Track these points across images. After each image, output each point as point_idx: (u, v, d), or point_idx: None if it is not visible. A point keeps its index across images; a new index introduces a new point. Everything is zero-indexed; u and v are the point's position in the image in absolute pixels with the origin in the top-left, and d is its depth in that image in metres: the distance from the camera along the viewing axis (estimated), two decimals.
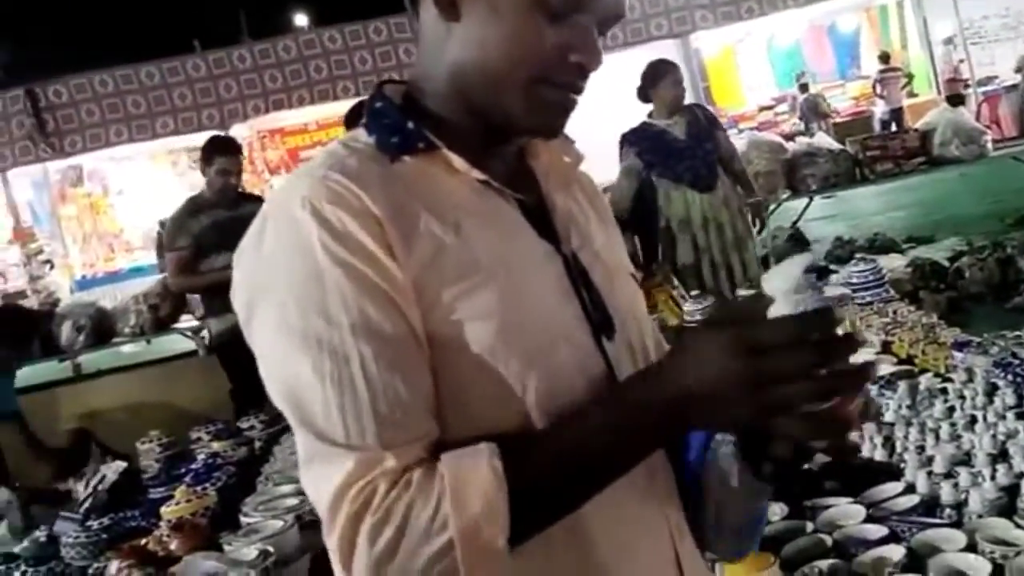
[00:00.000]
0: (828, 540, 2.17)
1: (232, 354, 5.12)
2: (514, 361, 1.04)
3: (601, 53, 1.10)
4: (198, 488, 3.29)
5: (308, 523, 2.78)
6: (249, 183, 16.14)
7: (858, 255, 4.30)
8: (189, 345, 7.65)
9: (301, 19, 27.06)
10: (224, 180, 5.38)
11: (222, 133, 6.43)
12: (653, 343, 1.26)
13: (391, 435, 0.97)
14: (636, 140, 5.73)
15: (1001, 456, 2.37)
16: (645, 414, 0.98)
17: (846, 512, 2.30)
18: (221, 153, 5.43)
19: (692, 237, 5.61)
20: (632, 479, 1.04)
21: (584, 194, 1.28)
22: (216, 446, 3.94)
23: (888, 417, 2.77)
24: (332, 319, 0.98)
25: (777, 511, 2.37)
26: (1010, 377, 2.76)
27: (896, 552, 2.05)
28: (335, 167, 1.05)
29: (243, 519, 2.96)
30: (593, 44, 1.09)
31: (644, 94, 5.72)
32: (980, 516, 2.14)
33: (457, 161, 1.09)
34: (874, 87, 16.24)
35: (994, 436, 2.46)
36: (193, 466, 3.73)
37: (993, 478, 2.25)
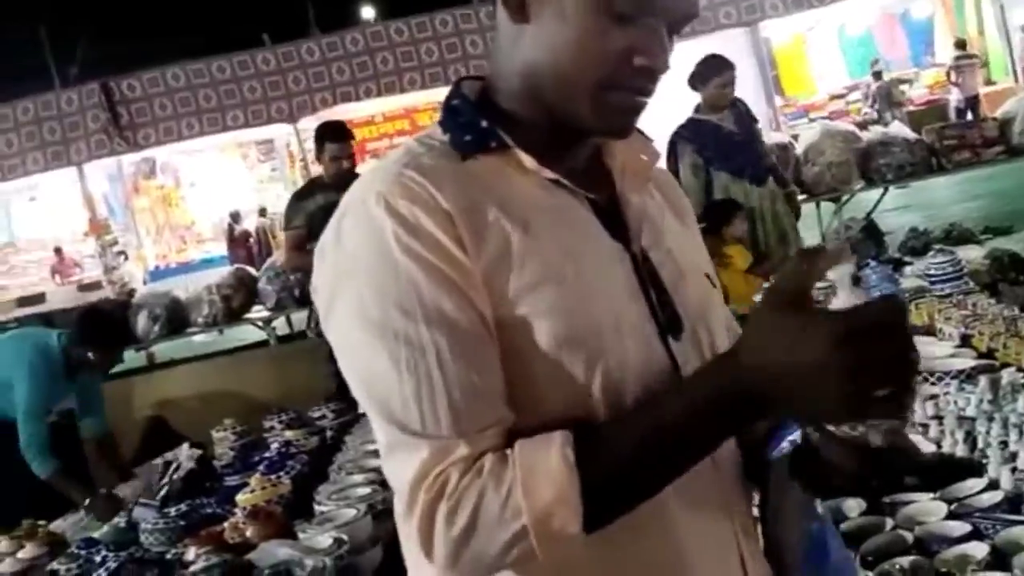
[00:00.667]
0: (909, 537, 2.13)
1: None
2: (580, 356, 1.06)
3: (668, 55, 1.09)
4: (272, 476, 3.34)
5: (380, 512, 2.81)
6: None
7: (936, 246, 4.20)
8: (260, 335, 7.76)
9: (368, 12, 27.23)
10: (336, 166, 5.53)
11: (333, 119, 6.61)
12: (726, 343, 1.22)
13: (465, 423, 1.00)
14: (693, 136, 5.66)
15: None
16: (723, 401, 0.97)
17: (927, 509, 2.25)
18: (331, 139, 5.57)
19: (753, 230, 5.65)
20: (699, 471, 1.05)
21: (661, 192, 1.28)
22: (289, 435, 3.99)
23: (969, 412, 2.70)
24: (408, 311, 1.01)
25: (855, 506, 2.33)
26: None
27: (980, 550, 2.01)
28: (410, 164, 1.08)
29: (317, 507, 3.00)
30: (659, 46, 1.08)
31: (694, 85, 5.68)
32: None
33: (528, 160, 1.11)
34: (948, 75, 15.91)
35: None
36: (267, 455, 3.78)
37: None
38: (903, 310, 0.90)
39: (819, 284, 0.99)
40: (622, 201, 1.18)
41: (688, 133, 5.67)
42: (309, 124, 15.41)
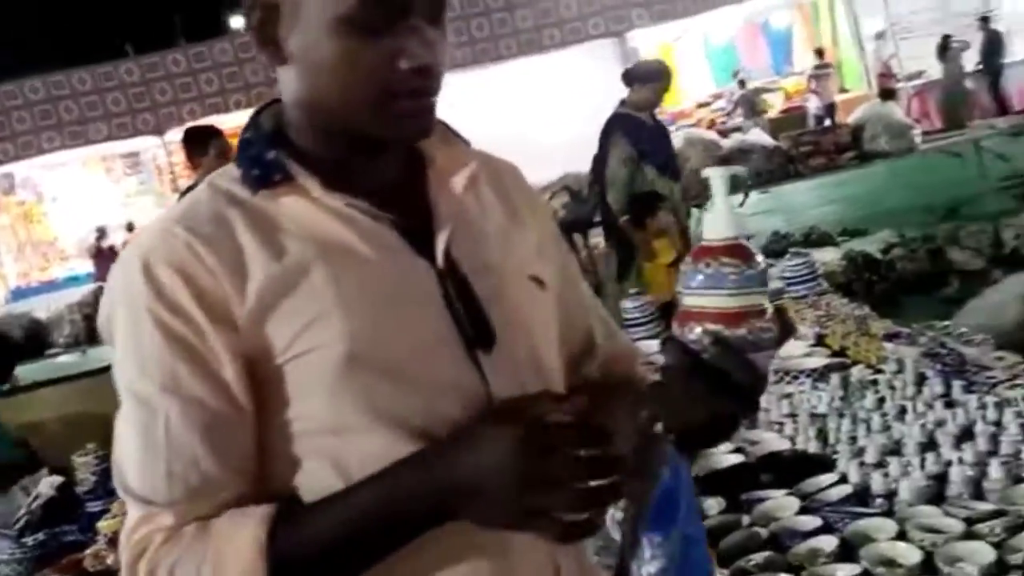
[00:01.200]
0: (763, 533, 2.20)
1: None
2: (381, 384, 1.04)
3: (435, 46, 1.05)
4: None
5: None
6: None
7: (792, 249, 4.35)
8: None
9: (237, 21, 26.75)
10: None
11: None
12: (555, 347, 1.22)
13: (179, 493, 1.00)
14: (627, 129, 5.76)
15: (930, 445, 2.42)
16: (413, 499, 0.99)
17: (781, 504, 2.33)
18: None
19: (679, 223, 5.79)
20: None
21: (496, 190, 1.24)
22: None
23: (821, 409, 2.81)
24: (147, 374, 1.02)
25: (714, 505, 2.40)
26: (938, 367, 2.82)
27: (829, 543, 2.09)
28: (183, 220, 1.06)
29: None
30: (421, 43, 1.04)
31: (631, 82, 5.82)
32: (910, 504, 2.18)
33: (315, 188, 1.08)
34: (808, 83, 16.47)
35: (923, 425, 2.51)
36: None
37: (922, 467, 2.30)
38: (597, 434, 0.95)
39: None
40: (434, 213, 1.14)
41: (625, 125, 5.78)
42: (177, 137, 15.09)
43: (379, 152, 1.13)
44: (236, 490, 1.02)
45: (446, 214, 1.15)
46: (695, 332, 0.96)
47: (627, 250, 5.72)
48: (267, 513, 0.99)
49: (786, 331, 1.02)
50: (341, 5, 1.02)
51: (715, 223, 0.97)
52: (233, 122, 16.75)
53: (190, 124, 6.39)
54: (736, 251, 0.96)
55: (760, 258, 0.99)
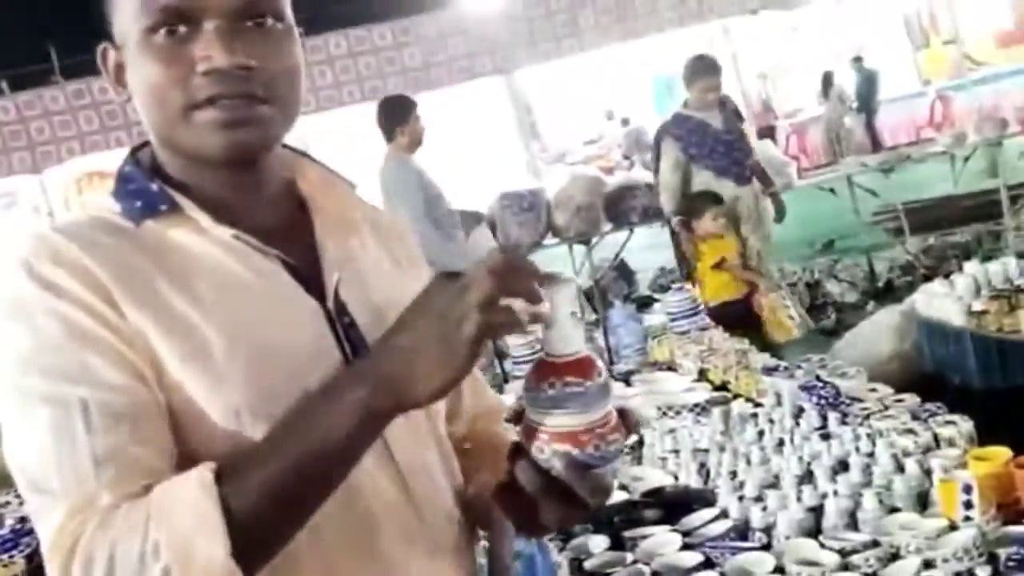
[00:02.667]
0: (647, 571, 2.22)
1: None
2: (261, 425, 1.00)
3: (230, 49, 1.03)
4: (4, 556, 3.11)
5: None
6: None
7: (676, 284, 4.43)
8: None
9: None
10: (412, 141, 5.45)
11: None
12: None
13: (107, 479, 0.94)
14: (678, 132, 5.65)
15: (807, 477, 2.47)
16: (352, 399, 0.93)
17: (664, 541, 2.35)
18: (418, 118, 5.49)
19: (736, 228, 5.58)
20: (401, 518, 1.08)
21: (380, 239, 1.24)
22: (25, 510, 3.73)
23: (703, 444, 2.85)
24: (49, 372, 0.97)
25: (600, 544, 2.40)
26: (814, 399, 2.88)
27: None
28: (59, 229, 1.05)
29: None
30: (213, 45, 1.03)
31: (685, 81, 5.76)
32: (788, 537, 2.22)
33: (203, 219, 1.07)
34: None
35: (800, 458, 2.57)
36: (0, 532, 3.52)
37: (799, 499, 2.34)
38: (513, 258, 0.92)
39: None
40: (321, 253, 1.14)
41: (674, 129, 5.70)
42: (57, 175, 14.67)
43: (237, 177, 1.11)
44: (164, 473, 0.96)
45: (334, 257, 1.14)
46: (544, 452, 0.96)
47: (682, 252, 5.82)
48: (208, 464, 0.94)
49: (630, 431, 1.03)
50: (142, 21, 1.03)
51: (557, 338, 0.95)
52: (116, 161, 16.38)
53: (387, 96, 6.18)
54: (580, 367, 0.95)
55: (601, 365, 0.99)
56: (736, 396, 3.28)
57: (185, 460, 0.99)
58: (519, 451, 0.98)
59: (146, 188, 1.09)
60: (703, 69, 5.74)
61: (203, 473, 0.93)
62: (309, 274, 1.12)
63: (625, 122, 17.00)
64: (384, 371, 0.93)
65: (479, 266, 0.90)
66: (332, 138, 15.52)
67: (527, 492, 0.98)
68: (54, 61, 16.28)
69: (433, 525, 1.15)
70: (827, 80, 15.71)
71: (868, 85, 15.89)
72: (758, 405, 3.11)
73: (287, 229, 1.14)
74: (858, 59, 16.52)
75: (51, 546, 0.93)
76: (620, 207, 6.87)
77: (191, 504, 0.91)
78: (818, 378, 3.06)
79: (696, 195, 5.55)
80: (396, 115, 5.49)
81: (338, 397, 0.95)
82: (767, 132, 11.75)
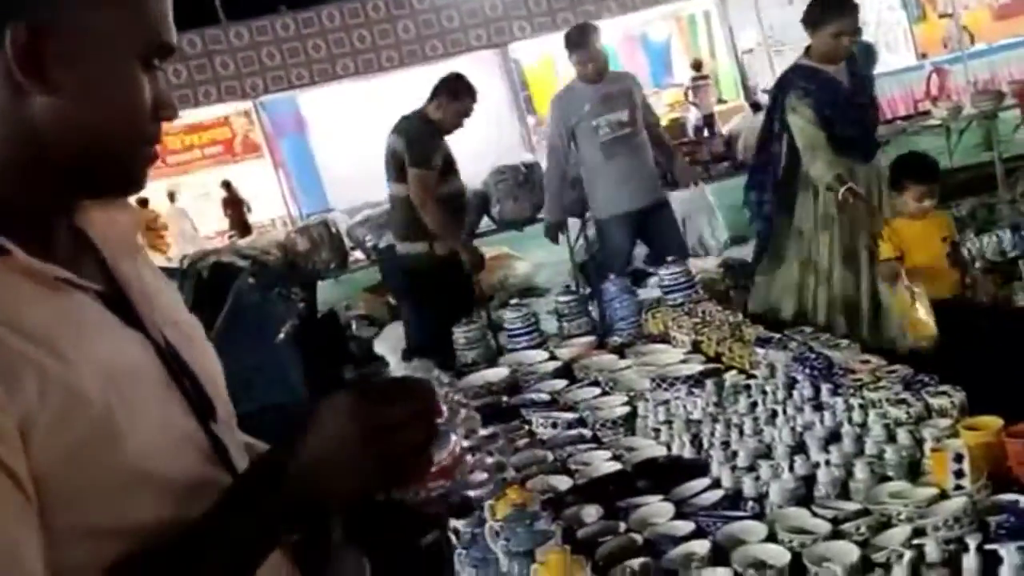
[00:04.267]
0: (639, 539, 2.23)
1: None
2: (137, 481, 0.97)
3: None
4: None
5: None
6: None
7: (669, 258, 4.41)
8: None
9: None
10: (446, 116, 5.63)
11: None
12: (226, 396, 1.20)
13: None
14: (809, 87, 4.52)
15: (799, 447, 2.48)
16: (265, 502, 0.97)
17: (656, 510, 2.36)
18: (460, 93, 5.68)
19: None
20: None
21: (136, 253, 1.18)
22: None
23: (696, 415, 2.86)
24: None
25: (593, 513, 2.42)
26: (807, 371, 2.89)
27: (702, 547, 2.12)
28: None
29: None
30: (170, 95, 1.06)
31: (811, 23, 4.56)
32: (780, 506, 2.24)
33: (36, 263, 0.96)
34: (686, 94, 16.80)
35: (793, 429, 2.58)
36: None
37: (792, 469, 2.35)
38: (419, 387, 1.00)
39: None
40: (121, 282, 1.08)
41: (802, 82, 4.54)
42: None
43: (75, 207, 1.07)
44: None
45: (131, 281, 1.10)
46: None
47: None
48: None
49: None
50: (148, 37, 1.02)
51: None
52: None
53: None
54: None
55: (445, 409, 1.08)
56: (729, 368, 3.28)
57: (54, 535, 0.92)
58: None
59: None
60: (837, 6, 4.49)
61: None
62: (122, 307, 1.06)
63: None
64: (306, 466, 0.96)
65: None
66: (326, 112, 15.48)
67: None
68: None
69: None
70: None
71: (864, 58, 15.82)
72: (751, 377, 3.11)
73: (78, 257, 1.07)
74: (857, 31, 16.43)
75: None
76: None
77: None
78: (811, 349, 3.07)
79: (901, 163, 4.50)
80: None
81: (262, 509, 0.97)
82: (758, 106, 11.70)
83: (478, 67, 13.15)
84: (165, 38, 1.04)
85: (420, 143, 5.51)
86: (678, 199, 6.90)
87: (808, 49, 4.60)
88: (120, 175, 1.04)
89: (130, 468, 0.96)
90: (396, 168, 5.56)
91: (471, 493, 1.38)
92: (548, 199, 6.20)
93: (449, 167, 5.66)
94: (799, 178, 4.65)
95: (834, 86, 4.53)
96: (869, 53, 16.68)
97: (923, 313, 4.05)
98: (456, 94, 5.67)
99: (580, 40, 5.81)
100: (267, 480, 0.97)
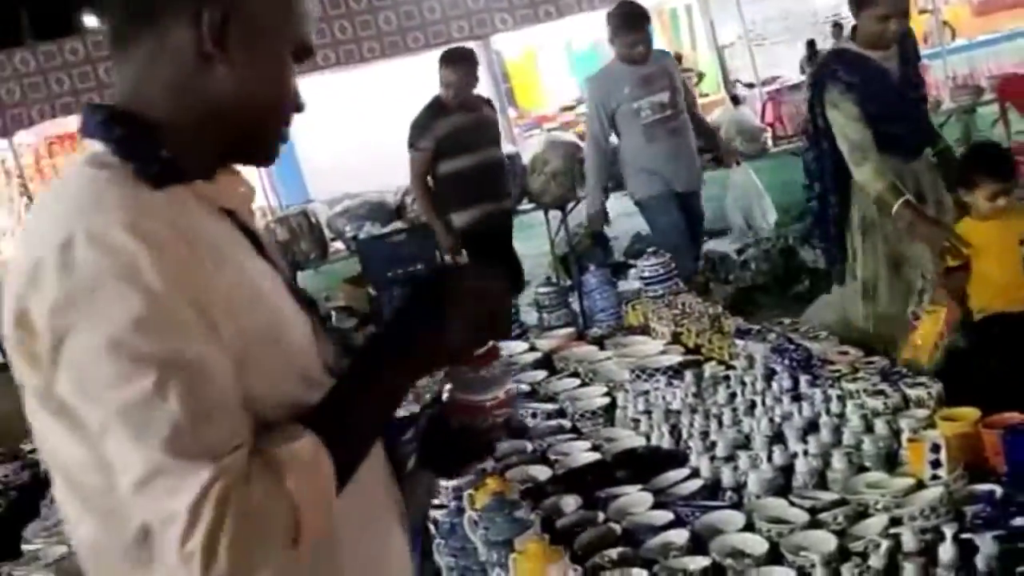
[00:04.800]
0: (618, 529, 2.23)
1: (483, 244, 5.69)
2: (291, 368, 1.21)
3: None
4: None
5: None
6: (38, 192, 15.33)
7: (650, 249, 4.42)
8: None
9: (91, 20, 25.83)
10: (446, 92, 5.73)
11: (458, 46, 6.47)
12: None
13: (227, 440, 1.05)
14: (852, 79, 3.92)
15: (777, 438, 2.49)
16: (411, 364, 1.24)
17: (635, 500, 2.37)
18: (443, 66, 5.76)
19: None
20: (377, 476, 1.32)
21: None
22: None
23: (675, 405, 2.87)
24: (165, 336, 1.04)
25: (571, 503, 2.42)
26: (786, 362, 2.90)
27: (681, 536, 2.13)
28: (127, 193, 1.11)
29: (25, 547, 2.82)
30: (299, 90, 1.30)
31: (855, 2, 3.96)
32: (758, 496, 2.24)
33: (222, 189, 1.24)
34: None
35: (771, 419, 2.59)
36: None
37: (770, 459, 2.36)
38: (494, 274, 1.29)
39: None
40: (249, 225, 1.30)
41: (844, 72, 3.94)
42: (26, 138, 14.48)
43: (221, 168, 1.28)
44: (249, 428, 1.11)
45: (257, 231, 1.32)
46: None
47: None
48: (308, 431, 1.13)
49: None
50: (298, 38, 1.27)
51: None
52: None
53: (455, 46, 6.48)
54: (486, 357, 1.32)
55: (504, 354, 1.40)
56: (709, 359, 3.29)
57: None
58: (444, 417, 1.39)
59: (158, 154, 1.17)
60: None
61: (310, 439, 1.12)
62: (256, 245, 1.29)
63: None
64: (439, 339, 1.23)
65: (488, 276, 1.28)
66: (307, 102, 15.42)
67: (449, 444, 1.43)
68: (24, 22, 16.07)
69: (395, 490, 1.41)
70: (812, 47, 15.68)
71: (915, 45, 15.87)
72: (730, 367, 3.12)
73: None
74: (837, 25, 16.49)
75: (197, 501, 1.02)
76: None
77: (313, 460, 1.11)
78: (790, 341, 3.08)
79: (972, 155, 4.05)
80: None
81: (403, 361, 1.23)
82: (737, 100, 11.71)
83: None
84: (309, 41, 1.29)
85: (413, 126, 5.77)
86: (724, 179, 6.78)
87: (854, 31, 4.03)
88: (263, 146, 1.29)
89: (286, 358, 1.20)
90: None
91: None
92: (592, 186, 5.87)
93: (464, 140, 5.73)
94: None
95: (882, 76, 3.93)
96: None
97: (926, 338, 3.50)
98: (448, 63, 5.76)
99: (633, 22, 5.54)
100: (401, 335, 1.24)
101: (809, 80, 4.45)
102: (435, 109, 5.77)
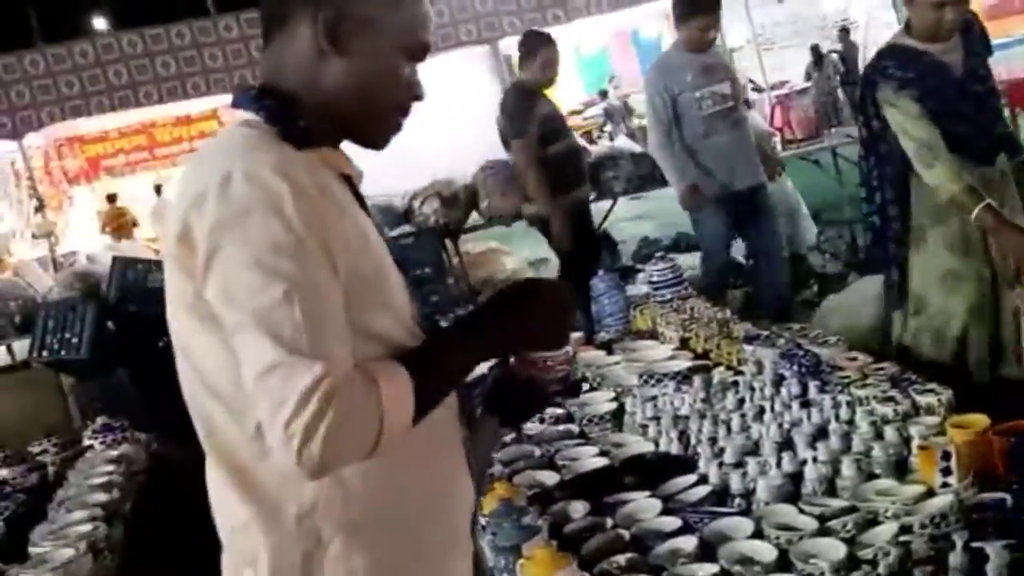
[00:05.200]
0: (626, 535, 2.22)
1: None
2: (389, 310, 1.45)
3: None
4: None
5: (100, 550, 2.66)
6: (47, 194, 15.38)
7: (658, 254, 4.41)
8: None
9: (100, 23, 25.91)
10: (543, 72, 5.75)
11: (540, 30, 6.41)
12: None
13: (338, 348, 1.27)
14: (908, 75, 3.55)
15: (786, 444, 2.48)
16: (494, 341, 1.50)
17: (643, 506, 2.36)
18: (542, 46, 5.75)
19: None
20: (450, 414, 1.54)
21: None
22: (4, 473, 3.73)
23: (684, 411, 2.86)
24: (296, 258, 1.26)
25: (579, 509, 2.41)
26: (795, 368, 2.89)
27: (689, 543, 2.12)
28: (275, 146, 1.35)
29: (32, 549, 2.81)
30: (420, 81, 1.52)
31: None
32: (767, 503, 2.23)
33: (341, 159, 1.48)
34: None
35: (780, 425, 2.57)
36: None
37: (779, 466, 2.35)
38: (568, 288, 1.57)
39: None
40: (358, 191, 1.53)
41: (897, 69, 3.57)
42: (36, 140, 14.51)
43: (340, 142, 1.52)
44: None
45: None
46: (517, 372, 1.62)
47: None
48: (402, 367, 1.34)
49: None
50: (408, 37, 1.48)
51: None
52: (96, 126, 16.20)
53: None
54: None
55: None
56: (717, 364, 3.28)
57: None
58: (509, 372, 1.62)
59: (298, 123, 1.41)
60: None
61: (404, 371, 1.34)
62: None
63: (603, 95, 16.92)
64: (522, 327, 1.50)
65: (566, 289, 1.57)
66: None
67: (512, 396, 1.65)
68: (34, 25, 16.10)
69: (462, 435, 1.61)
70: (817, 52, 15.69)
71: (853, 56, 15.88)
72: (739, 373, 3.11)
73: None
74: (845, 30, 16.48)
75: (307, 390, 1.22)
76: (604, 176, 6.85)
77: (402, 387, 1.32)
78: (799, 346, 3.07)
79: None
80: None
81: (489, 337, 1.49)
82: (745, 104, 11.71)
83: (468, 62, 13.13)
84: (423, 39, 1.50)
85: (512, 114, 5.72)
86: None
87: (907, 25, 3.67)
88: (372, 132, 1.51)
89: (385, 300, 1.43)
90: (503, 140, 5.91)
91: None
92: (675, 169, 5.31)
93: (555, 127, 5.75)
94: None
95: (942, 71, 3.56)
96: (854, 51, 16.74)
97: None
98: (530, 50, 5.76)
99: (707, 4, 5.23)
100: (496, 317, 1.50)
101: (860, 82, 3.93)
102: (524, 93, 5.76)
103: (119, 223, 14.65)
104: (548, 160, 5.63)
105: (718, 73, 5.35)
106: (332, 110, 1.45)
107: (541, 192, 5.72)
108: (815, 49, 15.73)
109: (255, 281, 1.26)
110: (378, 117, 1.49)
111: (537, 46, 5.74)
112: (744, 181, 5.33)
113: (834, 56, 15.76)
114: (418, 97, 1.52)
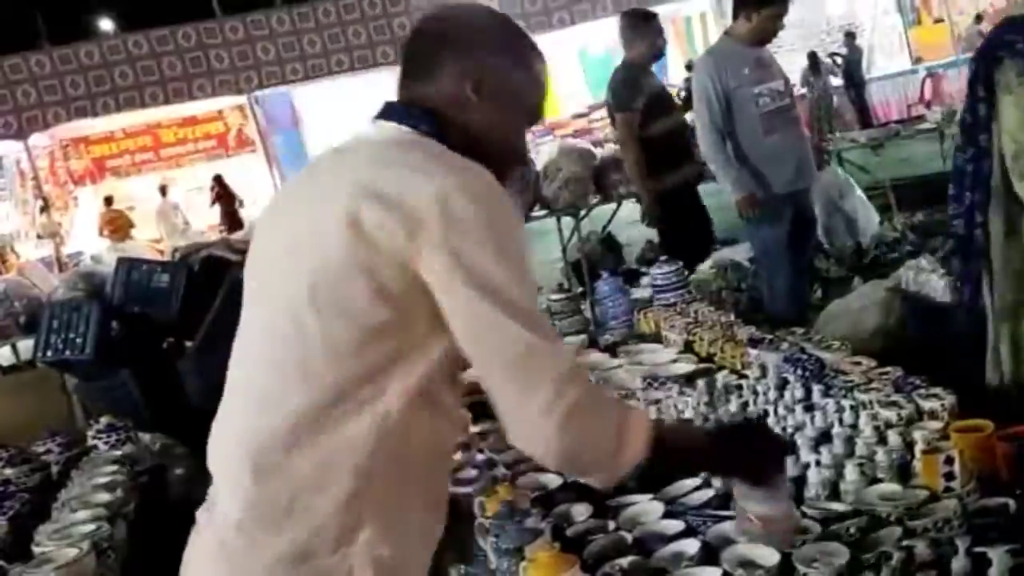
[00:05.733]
0: (628, 538, 2.22)
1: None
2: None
3: None
4: None
5: (104, 550, 2.66)
6: (52, 194, 15.42)
7: (662, 257, 4.41)
8: None
9: (106, 24, 25.95)
10: (650, 49, 5.92)
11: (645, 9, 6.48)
12: None
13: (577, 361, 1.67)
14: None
15: (790, 448, 2.47)
16: (721, 462, 1.86)
17: (646, 509, 2.36)
18: (649, 23, 5.96)
19: None
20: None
21: None
22: (8, 472, 3.73)
23: (687, 414, 2.85)
24: (527, 261, 1.55)
25: (582, 511, 2.41)
26: (799, 371, 2.88)
27: (692, 546, 2.12)
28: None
29: (35, 549, 2.82)
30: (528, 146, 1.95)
31: None
32: None
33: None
34: (679, 94, 16.80)
35: (784, 429, 2.57)
36: None
37: None
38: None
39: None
40: None
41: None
42: (41, 141, 14.55)
43: None
44: None
45: None
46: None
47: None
48: (652, 422, 1.67)
49: None
50: (532, 106, 1.77)
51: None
52: (102, 127, 16.23)
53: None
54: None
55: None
56: (721, 368, 3.28)
57: None
58: None
59: (451, 144, 1.66)
60: None
61: (652, 424, 1.65)
62: None
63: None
64: (742, 463, 1.82)
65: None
66: (321, 107, 15.44)
67: None
68: (40, 26, 16.13)
69: None
70: (813, 59, 15.70)
71: (857, 60, 15.91)
72: (743, 377, 3.11)
73: None
74: (850, 34, 16.48)
75: (569, 374, 1.52)
76: (609, 179, 6.85)
77: (643, 429, 1.61)
78: (803, 350, 3.07)
79: None
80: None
81: (722, 462, 1.86)
82: None
83: None
84: (541, 113, 1.80)
85: (620, 88, 5.87)
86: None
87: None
88: (502, 175, 1.67)
89: None
90: (609, 116, 6.20)
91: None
92: (732, 176, 4.95)
93: (662, 102, 5.91)
94: None
95: None
96: (858, 56, 16.74)
97: None
98: (636, 31, 5.90)
99: None
100: (734, 449, 1.81)
101: (972, 62, 3.18)
102: (635, 69, 5.87)
103: (116, 225, 14.65)
104: (653, 138, 5.76)
105: (772, 68, 5.06)
106: (469, 144, 1.66)
107: (636, 171, 5.89)
108: (812, 56, 15.75)
109: (508, 273, 1.50)
110: (499, 162, 1.69)
111: (637, 25, 5.92)
112: (799, 183, 5.05)
113: (829, 61, 15.77)
114: (523, 162, 1.98)
